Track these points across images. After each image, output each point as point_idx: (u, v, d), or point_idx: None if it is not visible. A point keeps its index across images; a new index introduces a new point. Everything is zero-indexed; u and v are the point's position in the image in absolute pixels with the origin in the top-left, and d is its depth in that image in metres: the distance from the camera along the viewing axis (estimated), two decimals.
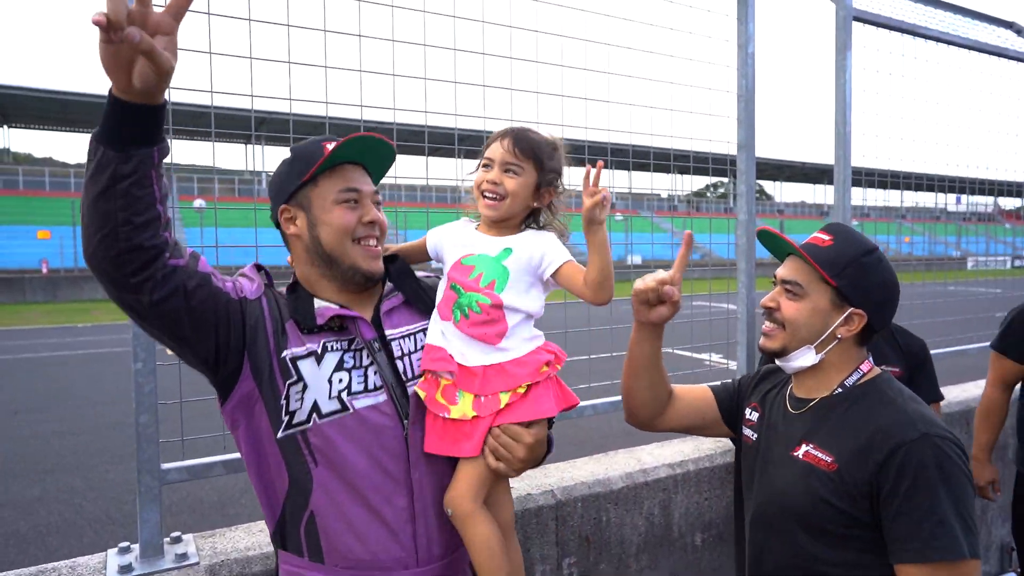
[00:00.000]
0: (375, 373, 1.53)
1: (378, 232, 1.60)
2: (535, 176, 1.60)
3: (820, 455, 1.55)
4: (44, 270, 28.89)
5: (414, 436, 1.53)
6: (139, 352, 1.86)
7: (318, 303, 1.57)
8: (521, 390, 1.51)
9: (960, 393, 4.04)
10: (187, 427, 2.04)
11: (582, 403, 2.69)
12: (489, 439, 1.52)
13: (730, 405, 1.91)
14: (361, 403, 1.50)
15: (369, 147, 1.59)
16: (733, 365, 3.24)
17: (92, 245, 1.22)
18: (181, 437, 2.03)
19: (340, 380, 1.50)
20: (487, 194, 1.58)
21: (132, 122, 1.16)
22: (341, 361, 1.52)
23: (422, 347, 1.61)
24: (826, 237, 1.64)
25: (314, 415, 1.47)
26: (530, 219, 1.67)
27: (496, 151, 1.59)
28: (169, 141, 1.80)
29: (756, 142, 3.08)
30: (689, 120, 2.95)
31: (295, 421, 1.47)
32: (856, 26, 3.27)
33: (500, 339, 1.53)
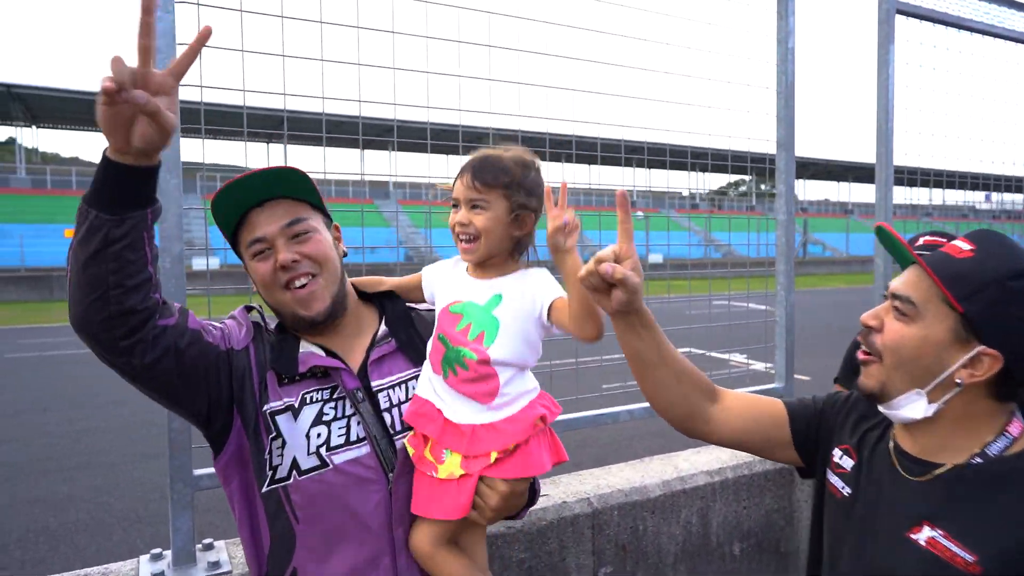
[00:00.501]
0: (358, 424, 1.45)
1: (303, 270, 1.45)
2: (505, 205, 1.45)
3: (955, 549, 1.15)
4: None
5: (399, 491, 1.44)
6: None
7: (304, 347, 1.50)
8: (511, 448, 1.41)
9: None
10: None
11: (617, 408, 2.63)
12: None
13: (807, 431, 1.51)
14: (341, 457, 1.42)
15: (260, 181, 1.43)
16: (758, 366, 3.16)
17: (82, 309, 1.19)
18: None
19: (319, 435, 1.42)
20: (460, 236, 1.47)
21: (128, 184, 1.14)
22: (320, 414, 1.44)
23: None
24: (966, 246, 1.23)
25: (294, 472, 1.41)
26: (517, 250, 1.53)
27: (459, 189, 1.47)
28: (202, 142, 1.76)
29: (761, 144, 3.00)
30: (726, 118, 2.87)
31: (277, 477, 1.42)
32: (898, 19, 3.16)
33: (492, 398, 1.42)
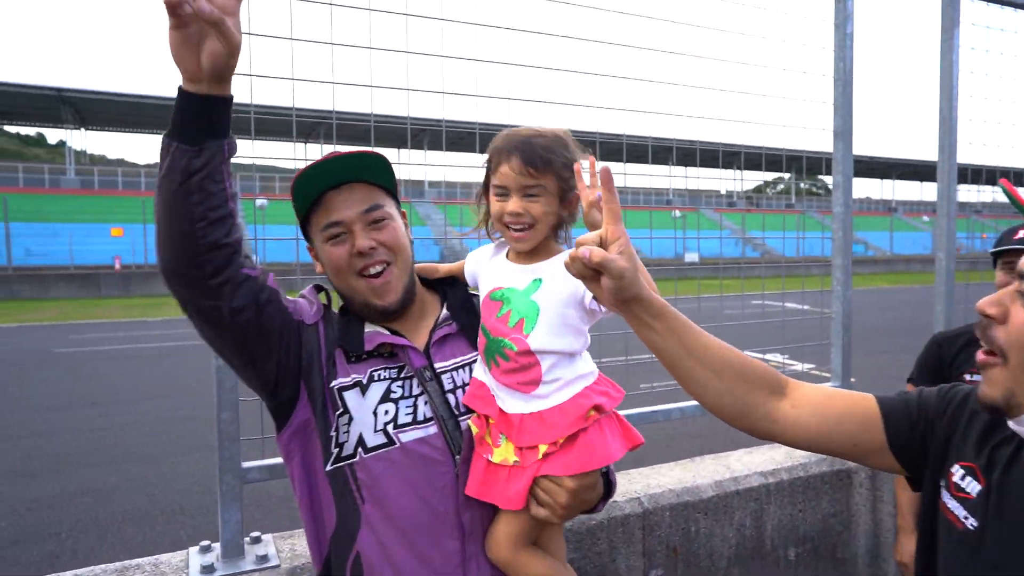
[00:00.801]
0: (425, 403, 1.42)
1: (379, 257, 1.43)
2: (557, 188, 1.38)
3: None
4: (117, 266, 30.23)
5: (466, 474, 1.40)
6: None
7: (368, 328, 1.48)
8: (561, 441, 1.34)
9: None
10: (267, 426, 1.99)
11: (668, 406, 2.55)
12: (533, 485, 1.36)
13: (911, 435, 1.21)
14: (409, 436, 1.39)
15: (344, 164, 1.42)
16: (797, 367, 3.05)
17: (170, 248, 1.20)
18: (261, 435, 1.98)
19: (386, 412, 1.40)
20: (512, 227, 1.39)
21: (202, 114, 1.16)
22: (388, 391, 1.41)
23: None
24: None
25: (359, 449, 1.38)
26: (559, 230, 1.46)
27: (508, 176, 1.37)
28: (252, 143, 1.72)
29: (815, 136, 2.88)
30: (779, 107, 2.77)
31: (343, 455, 1.39)
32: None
33: (535, 386, 1.36)
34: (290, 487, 1.48)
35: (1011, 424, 1.05)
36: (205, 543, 1.90)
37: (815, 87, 2.83)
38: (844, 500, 2.74)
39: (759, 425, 1.24)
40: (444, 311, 1.54)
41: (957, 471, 1.14)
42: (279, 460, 1.98)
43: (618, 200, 1.09)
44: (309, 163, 1.39)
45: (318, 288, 1.56)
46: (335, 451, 1.39)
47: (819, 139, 2.88)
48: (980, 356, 1.05)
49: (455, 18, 2.09)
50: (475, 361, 1.50)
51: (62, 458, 6.67)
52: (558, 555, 1.47)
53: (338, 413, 1.39)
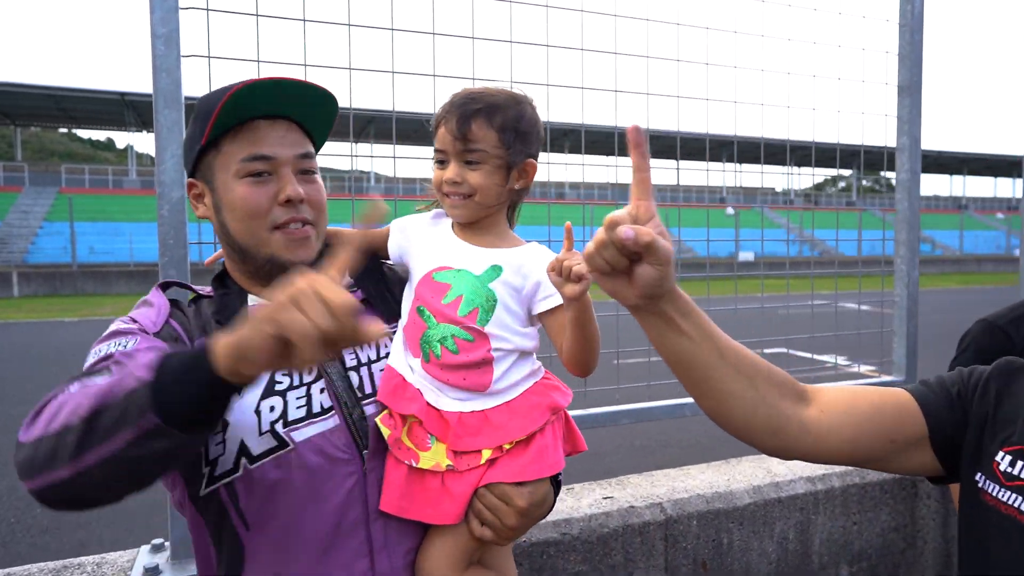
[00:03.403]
0: (321, 391, 1.15)
1: (303, 214, 1.19)
2: (504, 156, 1.19)
3: None
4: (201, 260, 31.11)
5: (375, 474, 1.14)
6: None
7: (253, 300, 1.22)
8: (508, 446, 1.14)
9: None
10: None
11: (682, 400, 2.23)
12: (474, 499, 1.14)
13: (951, 421, 1.05)
14: (303, 434, 1.11)
15: (292, 94, 1.17)
16: (855, 369, 2.70)
17: (99, 488, 0.88)
18: None
19: (271, 408, 1.11)
20: (449, 195, 1.21)
21: (219, 407, 0.86)
22: (271, 383, 1.14)
23: (387, 356, 1.23)
24: None
25: (243, 459, 1.09)
26: (513, 205, 1.31)
27: (444, 140, 1.19)
28: None
29: (877, 129, 2.50)
30: (839, 93, 2.40)
31: (218, 472, 1.09)
32: None
33: (486, 386, 1.17)
34: None
35: None
36: (158, 541, 1.69)
37: (875, 68, 2.45)
38: (908, 512, 2.36)
39: (792, 441, 1.03)
40: (346, 279, 1.28)
41: (1005, 458, 1.00)
42: None
43: (649, 169, 0.86)
44: (251, 80, 1.12)
45: (164, 286, 1.29)
46: (206, 471, 1.09)
47: (879, 133, 2.51)
48: None
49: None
50: (385, 335, 1.23)
51: None
52: (508, 572, 1.24)
53: None
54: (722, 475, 2.23)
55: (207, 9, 1.59)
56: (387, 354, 1.23)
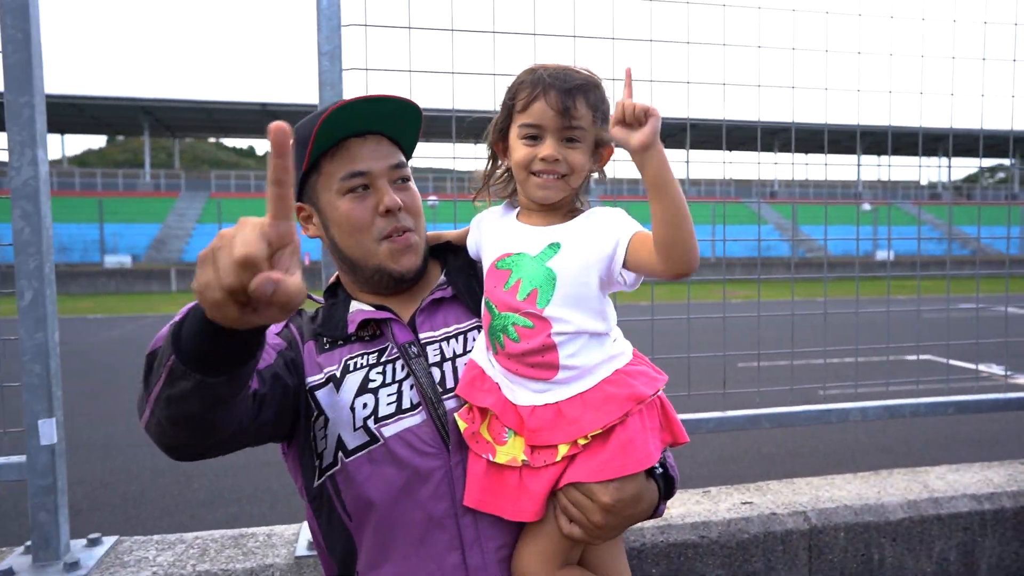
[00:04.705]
0: (411, 388, 1.18)
1: (403, 222, 1.24)
2: (593, 137, 1.15)
3: None
4: (307, 262, 33.31)
5: (461, 468, 1.15)
6: None
7: (354, 307, 1.28)
8: (583, 441, 1.08)
9: None
10: None
11: (847, 405, 2.12)
12: (559, 495, 1.10)
13: None
14: (392, 429, 1.15)
15: (377, 109, 1.21)
16: (1021, 380, 2.43)
17: (180, 440, 0.98)
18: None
19: (364, 405, 1.17)
20: (543, 174, 1.14)
21: (238, 346, 0.86)
22: (366, 381, 1.19)
23: (472, 350, 1.23)
24: None
25: (340, 454, 1.16)
26: (584, 188, 1.22)
27: (544, 114, 1.12)
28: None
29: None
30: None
31: (324, 464, 1.18)
32: None
33: (552, 372, 1.11)
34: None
35: None
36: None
37: None
38: None
39: None
40: (442, 276, 1.32)
41: None
42: None
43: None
44: (340, 102, 1.18)
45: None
46: (316, 464, 1.18)
47: None
48: None
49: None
50: (472, 330, 1.24)
51: None
52: (617, 571, 1.18)
53: (312, 418, 1.19)
54: (871, 487, 2.10)
55: (366, 25, 1.70)
56: (472, 349, 1.25)
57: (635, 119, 1.01)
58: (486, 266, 1.23)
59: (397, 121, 1.26)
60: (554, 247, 1.14)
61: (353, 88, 1.70)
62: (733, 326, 2.21)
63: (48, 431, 1.54)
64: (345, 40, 1.69)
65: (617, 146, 1.06)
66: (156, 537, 1.75)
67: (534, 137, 1.14)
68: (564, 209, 1.20)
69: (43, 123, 1.54)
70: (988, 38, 2.18)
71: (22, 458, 1.58)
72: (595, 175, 1.22)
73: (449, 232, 1.42)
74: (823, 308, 2.30)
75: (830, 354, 2.25)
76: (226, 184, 44.30)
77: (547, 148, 1.13)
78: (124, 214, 35.69)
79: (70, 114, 39.93)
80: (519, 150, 1.16)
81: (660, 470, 1.18)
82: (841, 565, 1.93)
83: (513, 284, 1.14)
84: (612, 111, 1.06)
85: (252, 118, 41.91)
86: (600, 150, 1.19)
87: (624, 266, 1.10)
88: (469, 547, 1.14)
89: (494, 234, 1.25)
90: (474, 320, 1.27)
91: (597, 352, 1.13)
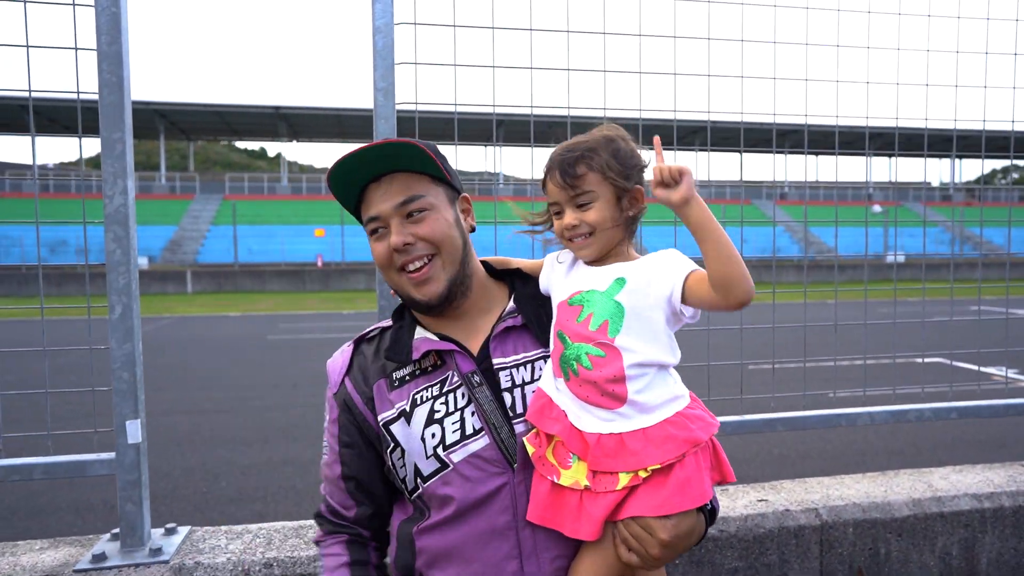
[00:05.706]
0: (472, 414, 1.31)
1: (417, 252, 1.34)
2: (611, 190, 1.28)
3: None
4: (319, 263, 33.63)
5: (524, 486, 1.28)
6: None
7: (419, 333, 1.41)
8: (644, 474, 1.18)
9: None
10: None
11: (856, 410, 2.27)
12: (619, 525, 1.21)
13: None
14: (460, 455, 1.29)
15: (383, 152, 1.32)
16: None
17: None
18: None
19: (433, 435, 1.32)
20: (572, 238, 1.31)
21: None
22: (431, 412, 1.33)
23: (539, 379, 1.35)
24: None
25: (418, 480, 1.33)
26: (632, 229, 1.36)
27: (554, 192, 1.31)
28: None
29: None
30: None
31: (409, 488, 1.37)
32: None
33: (620, 403, 1.21)
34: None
35: None
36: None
37: None
38: None
39: None
40: (511, 304, 1.44)
41: None
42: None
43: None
44: (340, 157, 1.32)
45: (357, 342, 1.52)
46: (402, 486, 1.38)
47: None
48: None
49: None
50: (539, 359, 1.38)
51: (270, 431, 7.52)
52: None
53: (389, 449, 1.36)
54: (878, 486, 2.25)
55: (415, 63, 1.86)
56: (539, 377, 1.35)
57: (671, 179, 1.18)
58: (556, 302, 1.36)
59: (406, 158, 1.35)
60: (620, 282, 1.27)
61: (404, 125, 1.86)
62: (745, 330, 2.35)
63: (135, 431, 1.72)
64: (398, 76, 1.86)
65: (660, 203, 1.22)
66: (224, 528, 1.93)
67: (558, 212, 1.32)
68: (623, 252, 1.34)
69: (131, 157, 1.73)
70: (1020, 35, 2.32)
71: (111, 455, 1.76)
72: (630, 213, 1.33)
73: (519, 260, 1.55)
74: (833, 311, 2.43)
75: (840, 356, 2.38)
76: (240, 186, 44.74)
77: (567, 218, 1.30)
78: (140, 216, 35.84)
79: (88, 118, 40.37)
80: (554, 224, 1.35)
81: (708, 506, 1.31)
82: (850, 558, 2.09)
83: (585, 317, 1.27)
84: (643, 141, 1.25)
85: (265, 121, 42.29)
86: (628, 195, 1.31)
87: (685, 302, 1.23)
88: (527, 557, 1.27)
89: (563, 276, 1.38)
90: (541, 350, 1.38)
91: (662, 389, 1.24)
